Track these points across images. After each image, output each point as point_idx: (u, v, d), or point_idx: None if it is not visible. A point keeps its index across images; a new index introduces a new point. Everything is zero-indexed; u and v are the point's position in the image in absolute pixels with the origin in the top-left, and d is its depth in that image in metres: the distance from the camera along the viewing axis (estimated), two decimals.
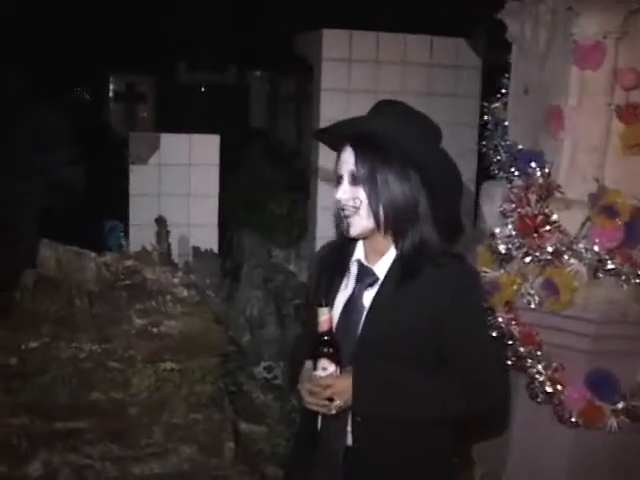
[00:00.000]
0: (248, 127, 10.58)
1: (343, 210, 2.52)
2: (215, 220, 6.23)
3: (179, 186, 6.15)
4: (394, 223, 2.50)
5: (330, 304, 2.53)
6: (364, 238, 2.61)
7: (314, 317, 2.50)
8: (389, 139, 2.46)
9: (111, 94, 12.47)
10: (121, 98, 12.26)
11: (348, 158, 2.50)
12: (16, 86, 6.84)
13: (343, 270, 2.66)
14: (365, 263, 2.62)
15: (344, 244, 2.68)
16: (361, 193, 2.48)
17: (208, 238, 6.14)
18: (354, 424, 2.52)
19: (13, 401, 3.97)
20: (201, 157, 6.21)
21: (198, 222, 6.15)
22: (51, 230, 6.44)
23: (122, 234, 6.09)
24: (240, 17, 9.15)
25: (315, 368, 2.45)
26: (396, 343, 2.45)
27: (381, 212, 2.49)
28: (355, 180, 2.48)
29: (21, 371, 4.00)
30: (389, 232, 2.54)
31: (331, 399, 2.44)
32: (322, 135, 2.77)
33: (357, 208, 2.49)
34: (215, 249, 6.13)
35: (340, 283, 2.65)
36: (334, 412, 2.47)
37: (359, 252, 2.65)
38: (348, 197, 2.50)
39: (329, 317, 2.47)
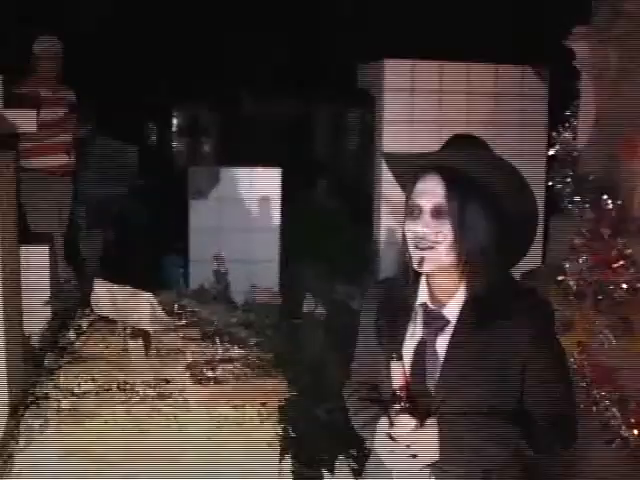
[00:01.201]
0: (312, 160, 10.52)
1: (419, 243, 2.36)
2: (276, 255, 6.14)
3: (240, 221, 6.07)
4: (476, 261, 2.33)
5: (401, 355, 2.37)
6: (432, 275, 2.44)
7: (371, 364, 2.39)
8: (479, 173, 2.31)
9: (175, 128, 12.55)
10: (185, 132, 12.32)
11: (433, 188, 2.32)
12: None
13: (407, 314, 2.50)
14: (432, 306, 2.44)
15: (405, 283, 2.51)
16: (446, 227, 2.30)
17: (269, 274, 6.05)
18: (438, 476, 2.36)
19: (65, 445, 3.87)
20: (262, 191, 6.14)
21: (259, 257, 6.07)
22: (111, 264, 6.43)
23: (181, 270, 6.03)
24: (303, 49, 9.12)
25: (394, 424, 2.30)
26: (478, 391, 2.29)
27: (465, 250, 2.32)
28: (440, 213, 2.31)
29: (74, 414, 3.91)
30: (465, 271, 2.37)
31: (414, 456, 2.29)
32: (395, 161, 2.62)
33: (439, 243, 2.33)
34: (276, 285, 6.03)
35: (405, 328, 2.49)
36: (418, 469, 2.32)
37: (422, 293, 2.48)
38: (430, 231, 2.33)
39: (404, 370, 2.31)
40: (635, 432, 3.67)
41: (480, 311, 2.32)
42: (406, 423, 2.26)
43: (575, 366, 3.77)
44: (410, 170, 2.44)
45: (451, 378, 2.32)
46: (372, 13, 7.43)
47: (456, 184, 2.30)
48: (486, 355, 2.29)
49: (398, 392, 2.28)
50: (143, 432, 3.92)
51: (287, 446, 4.20)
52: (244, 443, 3.99)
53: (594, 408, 3.75)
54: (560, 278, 3.95)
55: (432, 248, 2.31)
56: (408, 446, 2.27)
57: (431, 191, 2.32)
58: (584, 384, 3.77)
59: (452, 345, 2.34)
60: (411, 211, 2.36)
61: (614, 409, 3.70)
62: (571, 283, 3.89)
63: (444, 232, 2.29)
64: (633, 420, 3.69)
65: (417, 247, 2.33)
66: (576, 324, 3.84)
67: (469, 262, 2.33)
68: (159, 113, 10.25)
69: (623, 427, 3.69)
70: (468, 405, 2.30)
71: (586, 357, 3.78)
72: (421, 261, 2.33)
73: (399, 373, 2.28)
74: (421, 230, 2.31)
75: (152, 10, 9.09)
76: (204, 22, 9.47)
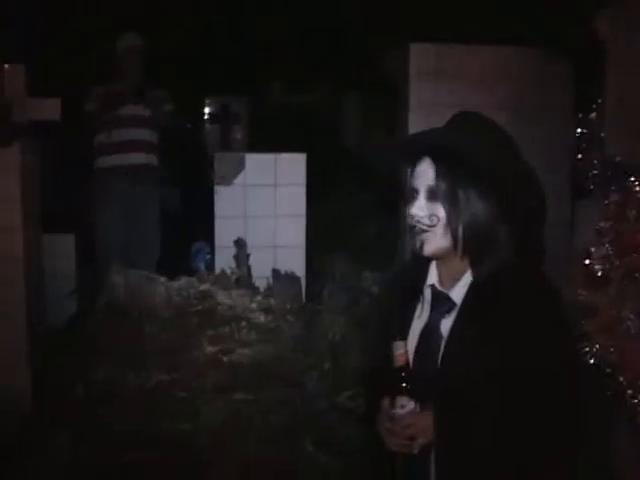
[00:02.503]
0: (341, 146, 10.49)
1: (416, 227, 2.31)
2: (303, 242, 6.09)
3: (265, 207, 6.04)
4: (473, 244, 2.28)
5: (405, 336, 2.34)
6: (437, 259, 2.40)
7: (387, 349, 2.31)
8: (471, 153, 2.26)
9: (206, 116, 12.59)
10: (216, 119, 12.35)
11: (426, 171, 2.31)
12: None
13: (416, 296, 2.46)
14: (440, 288, 2.41)
15: (416, 266, 2.47)
16: (440, 210, 2.27)
17: (295, 260, 6.00)
18: (438, 462, 2.31)
19: (78, 432, 3.84)
20: (287, 177, 6.10)
21: (285, 244, 6.03)
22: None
23: (208, 256, 6.00)
24: (328, 37, 9.09)
25: (393, 406, 2.26)
26: (478, 375, 2.23)
27: (460, 232, 2.28)
28: (433, 196, 2.28)
29: (87, 401, 3.88)
30: (466, 254, 2.32)
31: (413, 438, 2.25)
32: (398, 149, 2.58)
33: (433, 226, 2.28)
34: (302, 271, 5.98)
35: (414, 310, 2.45)
36: (416, 451, 2.27)
37: (432, 276, 2.44)
38: (424, 214, 2.29)
39: (405, 351, 2.28)
40: None
41: (483, 295, 2.28)
42: (405, 404, 2.24)
43: (601, 352, 3.70)
44: (411, 154, 2.41)
45: (452, 361, 2.28)
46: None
47: (447, 166, 2.28)
48: (488, 340, 2.24)
49: (401, 372, 2.25)
50: (157, 418, 3.88)
51: (307, 432, 4.16)
52: (261, 428, 3.94)
53: (622, 396, 3.68)
54: (586, 262, 3.87)
55: (428, 232, 2.29)
56: (406, 427, 2.24)
57: (424, 173, 2.31)
58: (610, 370, 3.70)
59: (454, 328, 2.32)
60: (411, 195, 2.34)
61: None
62: (597, 267, 3.82)
63: (437, 215, 2.28)
64: None
65: (416, 230, 2.31)
66: (602, 309, 3.76)
67: (467, 246, 2.30)
68: (186, 100, 10.23)
69: None
70: (467, 388, 2.25)
71: (612, 343, 3.71)
72: (421, 244, 2.33)
73: (400, 353, 2.25)
74: (416, 213, 2.30)
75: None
76: (233, 12, 9.48)
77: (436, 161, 2.29)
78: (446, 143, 2.30)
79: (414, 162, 2.36)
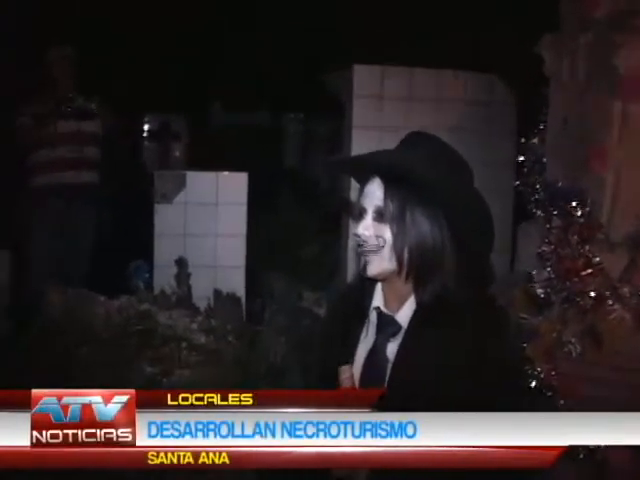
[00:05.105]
0: (282, 167, 10.48)
1: (362, 247, 2.28)
2: (242, 262, 6.03)
3: (205, 226, 5.97)
4: (418, 268, 2.25)
5: (351, 360, 2.30)
6: (381, 280, 2.37)
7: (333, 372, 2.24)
8: (422, 176, 2.21)
9: (146, 133, 12.42)
10: (155, 137, 12.17)
11: (374, 191, 2.25)
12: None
13: (361, 318, 2.41)
14: (385, 311, 2.36)
15: (361, 287, 2.42)
16: (386, 232, 2.22)
17: (236, 280, 5.94)
18: None
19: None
20: (228, 196, 6.04)
21: (225, 264, 5.96)
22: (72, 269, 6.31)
23: (147, 275, 5.91)
24: (274, 56, 9.07)
25: None
26: (424, 400, 2.20)
27: (406, 255, 2.24)
28: (381, 216, 2.23)
29: None
30: (411, 277, 2.28)
31: None
32: (348, 166, 2.60)
33: (380, 247, 2.25)
34: (242, 292, 5.92)
35: (359, 332, 2.40)
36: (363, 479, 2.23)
37: (377, 298, 2.38)
38: (370, 234, 2.24)
39: (351, 375, 2.22)
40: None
41: (430, 318, 2.24)
42: None
43: (542, 375, 3.71)
44: (361, 172, 2.37)
45: (398, 385, 2.23)
46: (340, 18, 7.40)
47: (396, 187, 2.23)
48: (435, 364, 2.20)
49: None
50: None
51: None
52: None
53: None
54: (528, 286, 3.89)
55: (374, 252, 2.24)
56: None
57: (373, 193, 2.26)
58: (550, 394, 3.71)
59: (400, 351, 2.26)
60: (358, 214, 2.29)
61: None
62: (539, 291, 3.83)
63: (384, 236, 2.22)
64: None
65: (361, 251, 2.26)
66: (543, 333, 3.77)
67: (412, 269, 2.25)
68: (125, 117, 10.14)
69: None
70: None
71: (553, 366, 3.71)
72: (365, 265, 2.26)
73: (346, 377, 2.20)
74: (362, 232, 2.24)
75: (129, 18, 9.03)
76: (174, 32, 9.41)
77: (386, 182, 2.26)
78: (397, 164, 2.27)
79: (364, 181, 2.34)
